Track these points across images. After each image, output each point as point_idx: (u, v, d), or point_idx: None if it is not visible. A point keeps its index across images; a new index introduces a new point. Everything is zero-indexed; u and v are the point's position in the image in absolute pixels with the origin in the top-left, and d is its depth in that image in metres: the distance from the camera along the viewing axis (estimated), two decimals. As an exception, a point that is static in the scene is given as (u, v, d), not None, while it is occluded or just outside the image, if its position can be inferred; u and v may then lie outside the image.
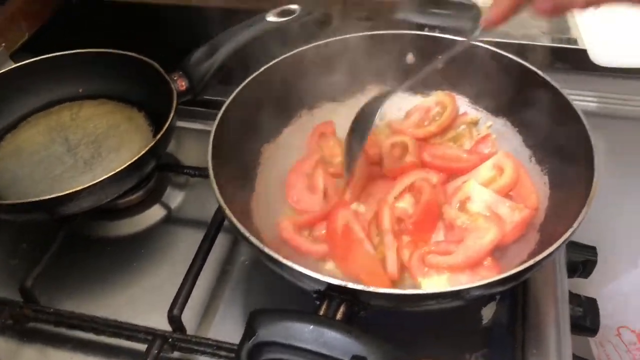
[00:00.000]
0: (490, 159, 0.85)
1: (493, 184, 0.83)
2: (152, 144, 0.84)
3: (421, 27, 0.97)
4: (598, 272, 1.00)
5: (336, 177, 0.88)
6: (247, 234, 0.64)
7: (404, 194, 0.83)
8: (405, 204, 0.81)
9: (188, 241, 0.91)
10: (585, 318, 0.91)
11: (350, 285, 0.57)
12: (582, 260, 0.97)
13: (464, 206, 0.80)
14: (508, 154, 0.86)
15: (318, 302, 0.59)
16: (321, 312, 0.57)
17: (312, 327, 0.53)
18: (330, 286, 0.58)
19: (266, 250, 0.62)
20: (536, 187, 0.83)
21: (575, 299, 0.91)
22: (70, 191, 0.78)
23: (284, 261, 0.60)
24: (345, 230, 0.76)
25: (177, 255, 0.90)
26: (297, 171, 0.89)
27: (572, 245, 0.96)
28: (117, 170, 0.81)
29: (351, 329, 0.53)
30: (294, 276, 0.61)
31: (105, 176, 0.80)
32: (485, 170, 0.84)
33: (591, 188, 0.68)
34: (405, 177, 0.85)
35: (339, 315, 0.57)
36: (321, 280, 0.58)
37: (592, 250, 0.98)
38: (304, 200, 0.86)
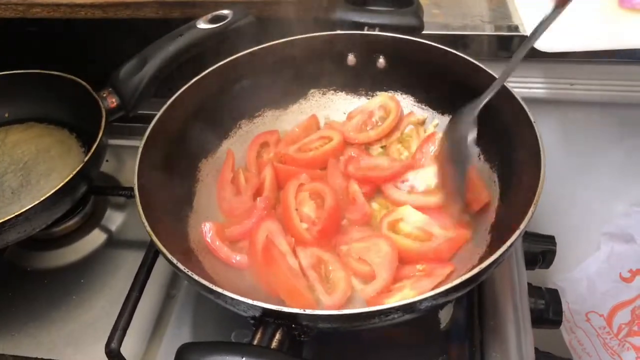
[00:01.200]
0: (432, 165, 0.83)
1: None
2: (79, 166, 0.79)
3: (360, 26, 0.93)
4: (562, 260, 0.99)
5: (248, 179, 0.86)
6: (175, 261, 0.59)
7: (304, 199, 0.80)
8: (308, 210, 0.78)
9: (131, 265, 0.87)
10: (548, 310, 0.89)
11: (286, 309, 0.53)
12: (541, 251, 0.96)
13: (395, 226, 0.77)
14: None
15: (254, 329, 0.55)
16: (256, 341, 0.53)
17: (243, 359, 0.49)
18: (265, 311, 0.54)
19: (194, 276, 0.58)
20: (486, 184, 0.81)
21: (536, 291, 0.89)
22: (-13, 225, 0.72)
23: (214, 287, 0.56)
24: (267, 244, 0.72)
25: (119, 283, 0.86)
26: (222, 181, 0.85)
27: (530, 236, 0.95)
28: (42, 199, 0.75)
29: (285, 357, 0.49)
30: (227, 302, 0.56)
31: (29, 206, 0.74)
32: (429, 177, 0.82)
33: (538, 185, 0.66)
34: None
35: (274, 343, 0.53)
36: (255, 305, 0.54)
37: (551, 239, 0.96)
38: (235, 206, 0.82)
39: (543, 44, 0.93)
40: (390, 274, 0.70)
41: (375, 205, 0.83)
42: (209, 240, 0.77)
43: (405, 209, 0.79)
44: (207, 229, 0.77)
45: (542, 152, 0.69)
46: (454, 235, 0.74)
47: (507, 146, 0.79)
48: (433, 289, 0.58)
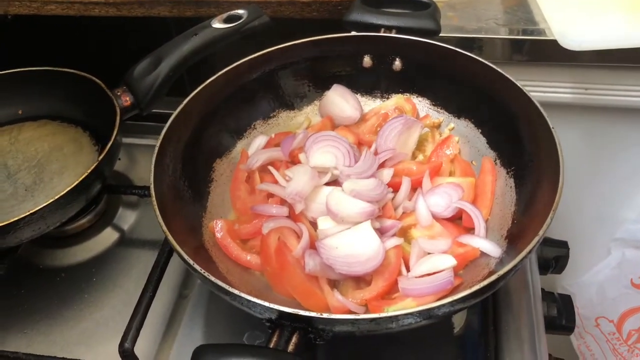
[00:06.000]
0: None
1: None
2: (94, 165, 0.79)
3: (376, 28, 0.93)
4: (573, 264, 0.98)
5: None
6: (191, 262, 0.59)
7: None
8: None
9: (143, 264, 0.87)
10: (561, 317, 0.88)
11: (303, 313, 0.53)
12: (554, 256, 0.95)
13: (406, 231, 0.77)
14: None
15: (270, 332, 0.55)
16: (272, 344, 0.53)
17: (260, 362, 0.49)
18: (281, 314, 0.54)
19: (211, 277, 0.57)
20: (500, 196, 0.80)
21: (549, 297, 0.88)
22: (4, 223, 0.72)
23: (230, 289, 0.56)
24: (280, 246, 0.71)
25: (131, 282, 0.86)
26: (236, 180, 0.85)
27: (543, 241, 0.94)
28: (57, 197, 0.75)
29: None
30: (243, 304, 0.56)
31: (44, 204, 0.74)
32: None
33: (557, 191, 0.65)
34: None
35: (290, 347, 0.53)
36: (271, 308, 0.53)
37: (564, 244, 0.96)
38: (249, 205, 0.81)
39: (571, 42, 0.92)
40: (385, 284, 0.69)
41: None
42: (220, 238, 0.76)
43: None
44: (219, 228, 0.77)
45: (561, 159, 0.68)
46: (462, 251, 0.73)
47: (524, 152, 0.79)
48: (439, 299, 0.57)
